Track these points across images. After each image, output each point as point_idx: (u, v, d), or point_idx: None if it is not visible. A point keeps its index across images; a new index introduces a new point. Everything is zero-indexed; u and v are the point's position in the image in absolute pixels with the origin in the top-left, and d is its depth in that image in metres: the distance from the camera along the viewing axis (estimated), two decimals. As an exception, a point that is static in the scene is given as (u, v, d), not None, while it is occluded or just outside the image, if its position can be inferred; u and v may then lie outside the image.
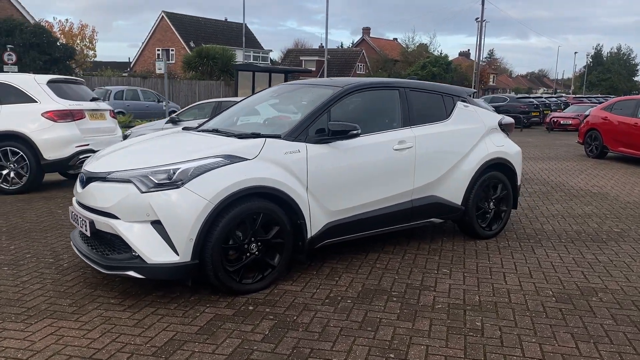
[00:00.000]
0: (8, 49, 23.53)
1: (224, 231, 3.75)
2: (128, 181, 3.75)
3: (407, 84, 5.12)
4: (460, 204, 5.23)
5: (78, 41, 37.45)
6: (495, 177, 5.49)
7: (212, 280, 3.81)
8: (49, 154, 7.55)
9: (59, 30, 36.87)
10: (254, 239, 3.93)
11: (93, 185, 3.95)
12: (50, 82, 7.89)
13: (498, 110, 25.11)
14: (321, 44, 62.35)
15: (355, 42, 66.81)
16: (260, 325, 3.47)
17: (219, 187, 3.72)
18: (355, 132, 4.31)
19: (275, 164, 4.05)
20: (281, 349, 3.17)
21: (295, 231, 4.16)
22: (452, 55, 72.14)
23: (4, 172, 7.60)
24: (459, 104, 5.37)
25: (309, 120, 4.35)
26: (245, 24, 41.63)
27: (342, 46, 68.75)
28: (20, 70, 22.49)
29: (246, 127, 4.95)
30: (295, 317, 3.59)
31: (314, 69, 49.49)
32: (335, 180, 4.36)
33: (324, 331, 3.40)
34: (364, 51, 57.77)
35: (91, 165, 4.21)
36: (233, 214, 3.78)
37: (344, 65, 55.33)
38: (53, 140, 7.57)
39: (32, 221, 6.06)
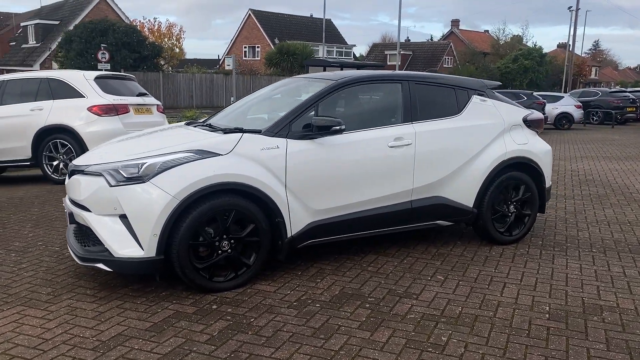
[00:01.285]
0: (102, 48, 25.21)
1: (191, 227, 3.69)
2: (99, 174, 3.79)
3: (413, 77, 4.77)
4: (471, 206, 4.83)
5: (166, 40, 39.42)
6: (516, 177, 5.01)
7: (181, 276, 3.78)
8: (93, 147, 7.91)
9: (149, 29, 38.97)
10: (226, 237, 3.84)
11: (74, 177, 4.05)
12: (97, 78, 8.29)
13: (588, 105, 23.68)
14: (407, 37, 61.37)
15: (444, 34, 65.02)
16: (213, 325, 3.38)
17: (185, 182, 3.66)
18: (338, 127, 4.08)
19: (251, 160, 3.93)
20: (220, 352, 3.06)
21: (273, 230, 4.03)
22: (551, 47, 68.13)
23: (55, 162, 8.11)
24: (475, 98, 4.95)
25: (292, 116, 4.18)
26: (330, 20, 41.91)
27: (431, 39, 67.20)
28: (112, 68, 24.00)
29: (253, 123, 4.83)
30: (252, 320, 3.46)
31: (399, 62, 48.66)
32: (320, 178, 4.16)
33: (274, 336, 3.24)
34: (451, 44, 56.04)
35: (78, 159, 4.32)
36: (201, 210, 3.71)
37: (430, 59, 53.99)
38: (97, 134, 7.94)
39: (62, 210, 6.36)
